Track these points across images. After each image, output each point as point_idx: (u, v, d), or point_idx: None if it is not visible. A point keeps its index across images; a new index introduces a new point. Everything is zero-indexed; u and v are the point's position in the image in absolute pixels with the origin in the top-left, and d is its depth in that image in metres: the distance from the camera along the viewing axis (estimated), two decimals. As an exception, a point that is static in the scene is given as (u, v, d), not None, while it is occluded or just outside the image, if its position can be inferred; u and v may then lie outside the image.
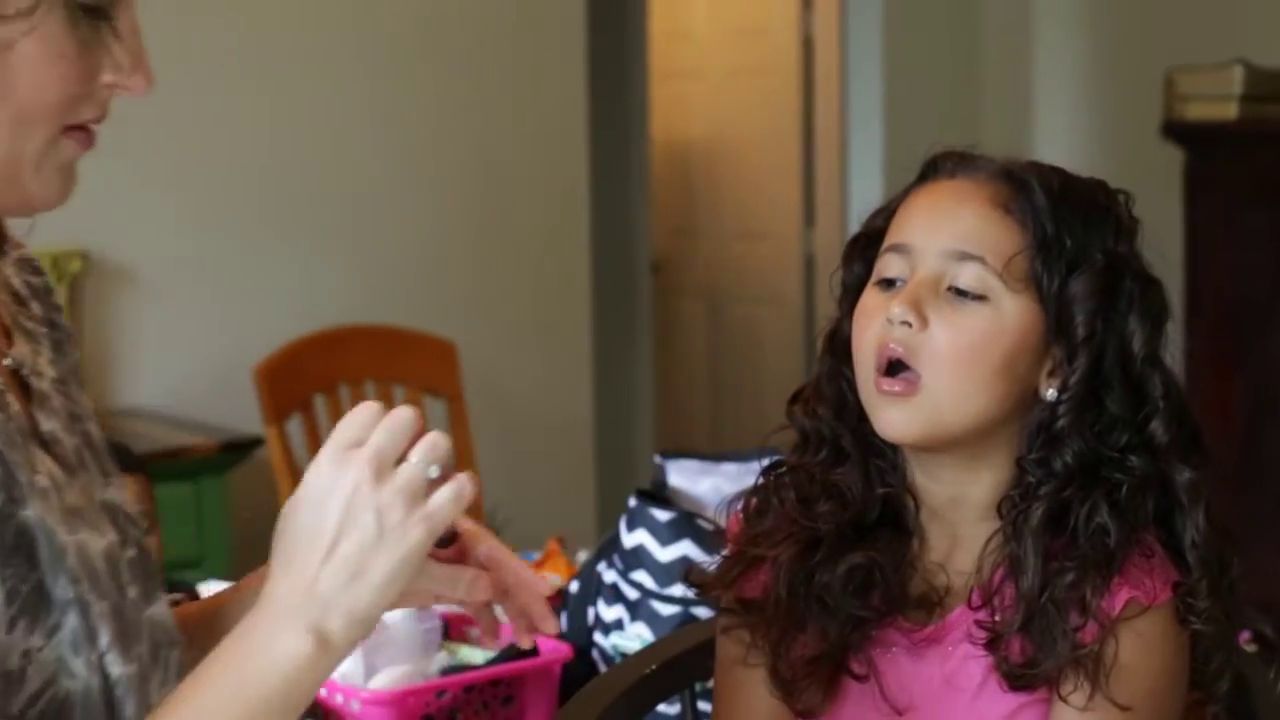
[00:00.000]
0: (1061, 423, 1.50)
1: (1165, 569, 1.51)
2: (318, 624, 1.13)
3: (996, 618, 1.50)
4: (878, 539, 1.56)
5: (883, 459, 1.58)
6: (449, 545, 1.25)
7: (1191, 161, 4.50)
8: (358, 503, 1.13)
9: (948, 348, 1.48)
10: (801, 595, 1.54)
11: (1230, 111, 4.40)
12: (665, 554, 2.24)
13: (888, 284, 1.53)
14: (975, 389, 1.49)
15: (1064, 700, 1.48)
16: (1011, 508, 1.52)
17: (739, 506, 1.63)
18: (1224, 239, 4.38)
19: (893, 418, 1.51)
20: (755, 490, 1.62)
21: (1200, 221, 4.40)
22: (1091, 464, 1.50)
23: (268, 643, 1.13)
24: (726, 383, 6.09)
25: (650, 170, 5.72)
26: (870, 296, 1.55)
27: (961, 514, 1.56)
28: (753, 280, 6.01)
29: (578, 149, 4.56)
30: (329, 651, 1.13)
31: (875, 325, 1.51)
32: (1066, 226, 1.51)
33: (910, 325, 1.49)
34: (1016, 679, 1.49)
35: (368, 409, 1.17)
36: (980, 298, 1.49)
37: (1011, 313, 1.49)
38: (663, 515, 2.26)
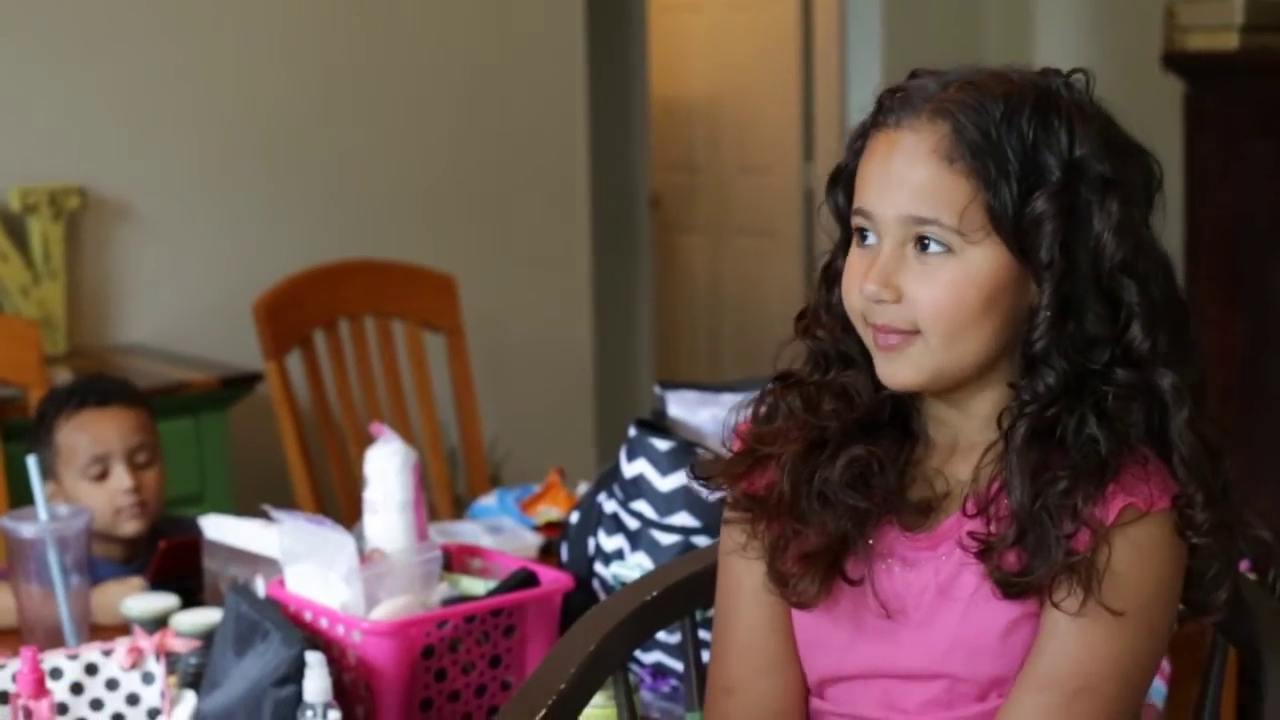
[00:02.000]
0: (1038, 345, 1.50)
1: (1163, 479, 1.51)
2: None
3: (991, 528, 1.51)
4: (882, 437, 1.59)
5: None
6: None
7: (1192, 92, 4.49)
8: None
9: (927, 306, 1.51)
10: (804, 492, 1.57)
11: (1231, 42, 4.39)
12: (665, 484, 2.24)
13: (863, 236, 1.56)
14: (965, 334, 1.51)
15: (1056, 606, 1.49)
16: (1008, 423, 1.53)
17: (748, 411, 1.66)
18: (1225, 170, 4.37)
19: (893, 370, 1.55)
20: (764, 395, 1.65)
21: (1201, 152, 4.40)
22: (1076, 381, 1.51)
23: None
24: (726, 316, 6.09)
25: (649, 104, 5.70)
26: (853, 254, 1.58)
27: (965, 423, 1.58)
28: (752, 214, 6.00)
29: (576, 82, 4.54)
30: None
31: (856, 295, 1.55)
32: (1013, 152, 1.49)
33: (885, 300, 1.52)
34: (1009, 587, 1.50)
35: None
36: (946, 249, 1.50)
37: (977, 260, 1.50)
38: (663, 445, 2.26)
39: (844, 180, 1.61)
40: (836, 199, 1.61)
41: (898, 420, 1.61)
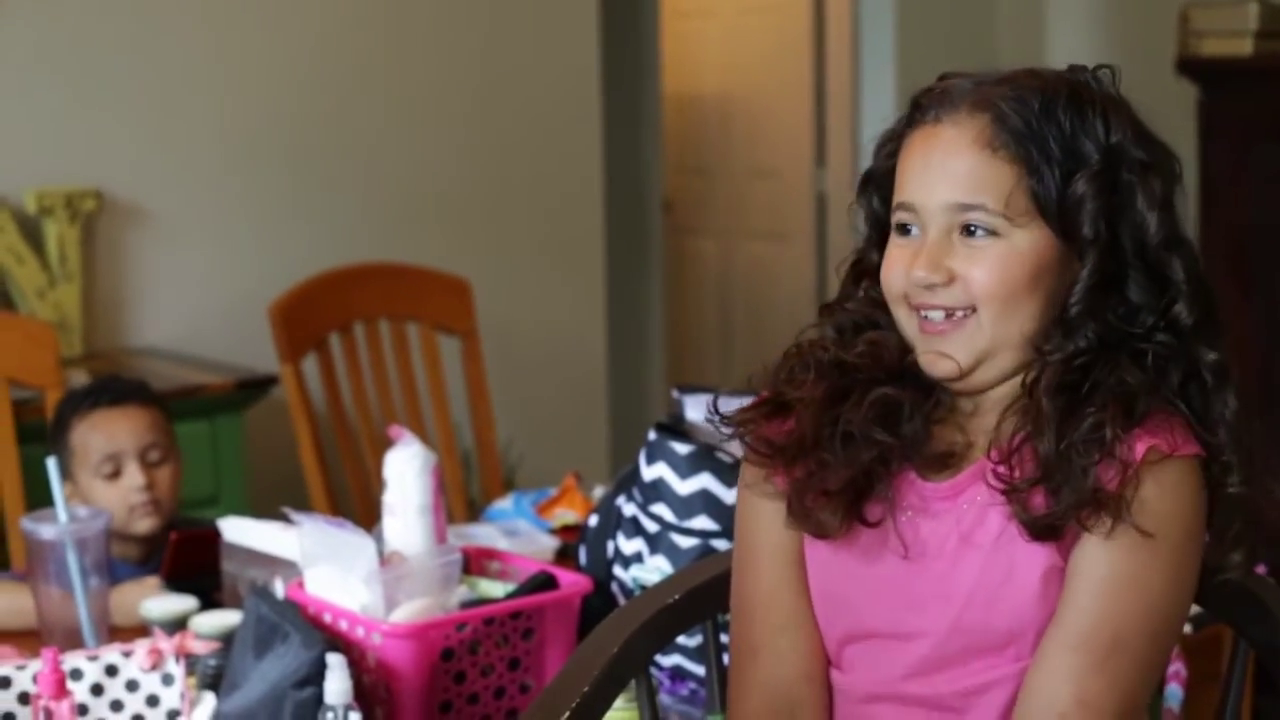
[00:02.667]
0: (1074, 310, 1.56)
1: (1187, 432, 1.55)
2: None
3: (1015, 473, 1.54)
4: (906, 386, 1.62)
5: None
6: None
7: (1206, 98, 4.49)
8: None
9: (978, 286, 1.56)
10: (827, 433, 1.61)
11: (1245, 47, 4.39)
12: (685, 487, 2.24)
13: (904, 230, 1.61)
14: (1016, 308, 1.56)
15: (1088, 530, 1.51)
16: (1033, 374, 1.57)
17: (773, 369, 1.69)
18: (1238, 175, 4.37)
19: (939, 355, 1.59)
20: (786, 358, 1.69)
21: (1214, 158, 4.39)
22: (1114, 339, 1.56)
23: None
24: (737, 320, 6.09)
25: (662, 109, 5.70)
26: (893, 247, 1.63)
27: (992, 388, 1.62)
28: (764, 219, 6.00)
29: (591, 87, 4.54)
30: None
31: (900, 274, 1.60)
32: (1053, 139, 1.55)
33: (936, 284, 1.57)
34: (1036, 526, 1.53)
35: None
36: (992, 233, 1.56)
37: (1023, 243, 1.56)
38: (682, 448, 2.27)
39: (876, 182, 1.67)
40: (870, 202, 1.68)
41: (921, 378, 1.64)
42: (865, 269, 1.70)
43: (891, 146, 1.65)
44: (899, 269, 1.61)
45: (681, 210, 6.22)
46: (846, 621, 1.65)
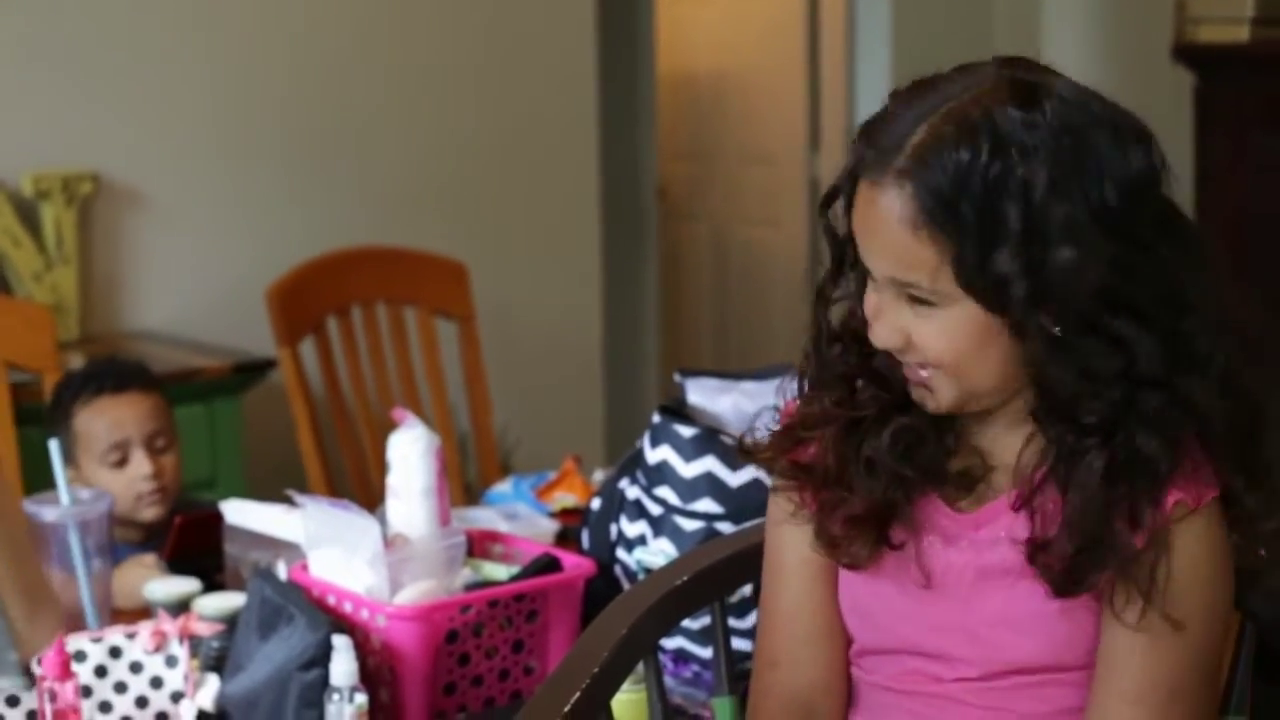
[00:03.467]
0: (1062, 396, 1.50)
1: (1207, 468, 1.52)
2: None
3: (1037, 522, 1.52)
4: (921, 414, 1.59)
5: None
6: None
7: (1202, 84, 4.50)
8: None
9: (931, 353, 1.53)
10: (851, 460, 1.60)
11: (1242, 34, 4.40)
12: (689, 470, 2.25)
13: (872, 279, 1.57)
14: (972, 370, 1.53)
15: (1117, 618, 1.50)
16: (1051, 422, 1.53)
17: (793, 392, 1.68)
18: (1234, 162, 4.38)
19: (925, 401, 1.57)
20: (800, 377, 1.67)
21: (1211, 145, 4.40)
22: (1112, 415, 1.49)
23: None
24: (732, 305, 6.09)
25: (657, 94, 5.70)
26: (866, 294, 1.58)
27: (1002, 420, 1.59)
28: (758, 205, 6.00)
29: (587, 73, 4.54)
30: None
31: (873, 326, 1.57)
32: (970, 209, 1.45)
33: (895, 348, 1.54)
34: (1063, 587, 1.51)
35: None
36: (932, 305, 1.51)
37: (959, 315, 1.50)
38: (686, 431, 2.27)
39: (837, 205, 1.60)
40: (833, 224, 1.61)
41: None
42: (829, 299, 1.64)
43: (848, 184, 1.56)
44: (870, 321, 1.57)
45: (675, 196, 6.22)
46: (870, 634, 1.65)
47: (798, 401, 1.67)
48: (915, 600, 1.60)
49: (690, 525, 2.24)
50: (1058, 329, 1.47)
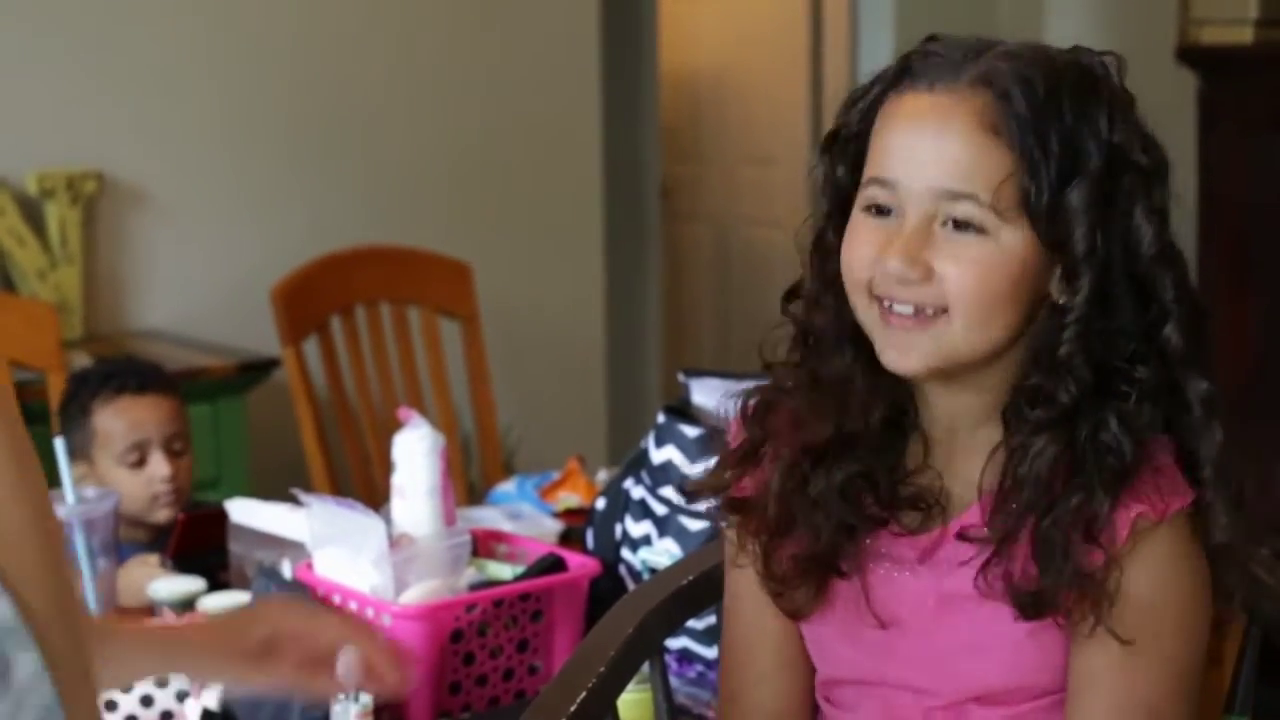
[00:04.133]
0: (1065, 349, 1.42)
1: (1174, 480, 1.44)
2: None
3: (998, 538, 1.44)
4: (880, 438, 1.50)
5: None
6: None
7: (1206, 86, 4.50)
8: None
9: (959, 285, 1.41)
10: (795, 497, 1.50)
11: (1246, 36, 4.40)
12: (694, 470, 2.25)
13: (875, 209, 1.45)
14: (991, 319, 1.42)
15: (1072, 624, 1.43)
16: (1017, 424, 1.45)
17: (739, 406, 1.59)
18: (1238, 164, 4.37)
19: (903, 352, 1.44)
20: (755, 391, 1.59)
21: (1214, 147, 4.40)
22: (1098, 383, 1.42)
23: None
24: (733, 306, 6.10)
25: (660, 95, 5.70)
26: (860, 223, 1.47)
27: (965, 415, 1.50)
28: (760, 205, 6.01)
29: (589, 74, 4.54)
30: None
31: (868, 259, 1.44)
32: (1055, 131, 1.39)
33: (912, 280, 1.42)
34: (1027, 606, 1.43)
35: None
36: (979, 230, 1.40)
37: (1010, 241, 1.41)
38: (691, 431, 2.27)
39: (844, 145, 1.50)
40: (834, 168, 1.51)
41: (892, 413, 1.52)
42: (830, 247, 1.51)
43: (866, 105, 1.48)
44: (865, 253, 1.44)
45: (678, 196, 6.22)
46: (831, 668, 1.58)
47: (741, 420, 1.58)
48: (875, 634, 1.52)
49: (695, 525, 2.24)
50: (1104, 273, 1.41)
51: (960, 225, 1.41)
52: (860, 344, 1.50)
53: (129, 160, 3.84)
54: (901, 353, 1.45)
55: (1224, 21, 4.41)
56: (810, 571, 1.52)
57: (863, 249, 1.45)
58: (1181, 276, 1.44)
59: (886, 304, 1.44)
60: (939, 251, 1.41)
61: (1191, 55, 4.48)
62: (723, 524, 1.61)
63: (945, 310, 1.42)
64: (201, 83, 3.94)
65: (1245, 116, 4.37)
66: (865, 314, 1.47)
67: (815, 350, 1.54)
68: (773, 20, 5.85)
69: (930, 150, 1.41)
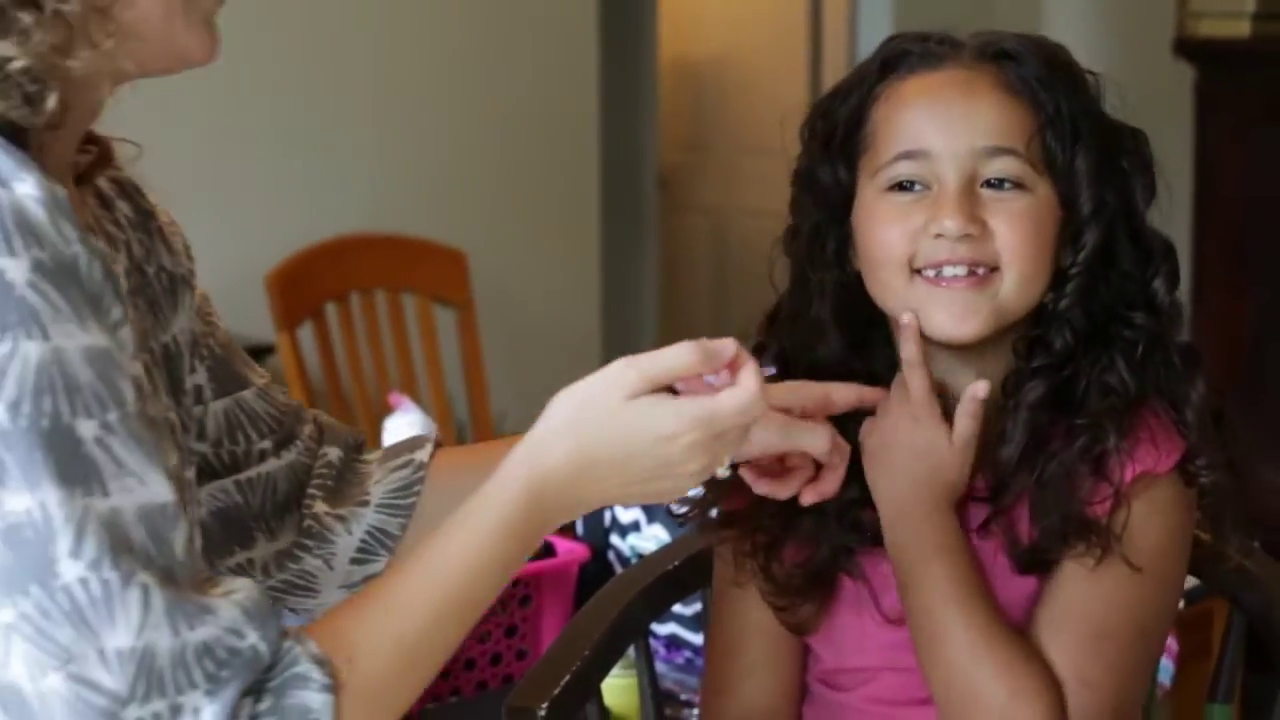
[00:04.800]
0: (1065, 302, 1.45)
1: (1168, 435, 1.46)
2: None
3: (1004, 500, 1.45)
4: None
5: (873, 349, 1.53)
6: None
7: (1203, 79, 4.50)
8: (673, 460, 1.21)
9: (1011, 242, 1.43)
10: (791, 515, 1.49)
11: (1243, 29, 4.40)
12: (683, 456, 2.24)
13: (902, 187, 1.46)
14: (1038, 274, 1.45)
15: (1075, 561, 1.43)
16: (1019, 384, 1.46)
17: None
18: (1234, 157, 4.38)
19: (963, 316, 1.44)
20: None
21: (1211, 140, 4.41)
22: (1101, 328, 1.46)
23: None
24: (731, 297, 6.10)
25: (658, 84, 5.70)
26: (885, 204, 1.47)
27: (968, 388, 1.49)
28: (759, 195, 6.00)
29: (588, 62, 4.54)
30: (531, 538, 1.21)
31: (904, 234, 1.45)
32: (1062, 95, 1.45)
33: (972, 236, 1.42)
34: (1027, 561, 1.44)
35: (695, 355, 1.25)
36: (1019, 186, 1.44)
37: (1045, 197, 1.45)
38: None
39: (842, 145, 1.50)
40: (835, 170, 1.51)
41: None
42: (826, 259, 1.53)
43: (856, 102, 1.49)
44: (902, 229, 1.44)
45: (675, 186, 6.22)
46: (844, 658, 1.56)
47: None
48: (886, 630, 1.51)
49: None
50: (1103, 244, 1.46)
51: (998, 184, 1.44)
52: (854, 349, 1.52)
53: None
54: (959, 318, 1.44)
55: (1221, 15, 4.41)
56: (815, 579, 1.51)
57: (898, 225, 1.45)
58: (1164, 236, 1.49)
59: (933, 273, 1.44)
60: (988, 210, 1.44)
61: (1188, 48, 4.49)
62: (714, 542, 1.60)
63: (997, 269, 1.44)
64: (196, 69, 3.94)
65: (1241, 109, 4.38)
66: (904, 292, 1.46)
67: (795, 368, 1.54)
68: (772, 9, 5.85)
69: (961, 115, 1.45)
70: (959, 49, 1.48)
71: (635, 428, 1.23)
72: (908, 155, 1.45)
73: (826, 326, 1.54)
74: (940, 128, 1.45)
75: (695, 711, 1.73)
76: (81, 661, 1.00)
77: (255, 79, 4.02)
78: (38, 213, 1.04)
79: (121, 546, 1.01)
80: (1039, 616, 1.45)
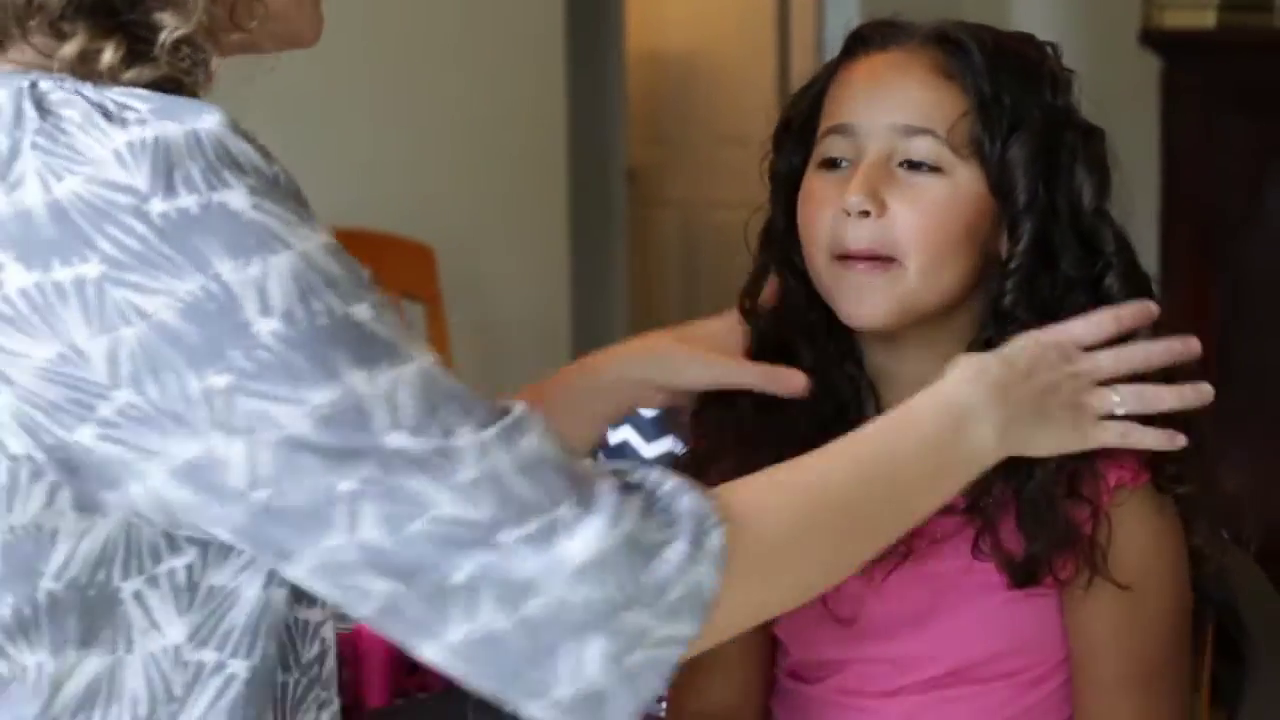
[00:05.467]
0: (1009, 299, 1.45)
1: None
2: (1003, 431, 1.26)
3: (983, 508, 1.45)
4: (832, 427, 1.46)
5: (841, 343, 1.53)
6: None
7: (1169, 69, 4.52)
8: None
9: (913, 226, 1.44)
10: None
11: (1208, 20, 4.42)
12: (650, 449, 2.24)
13: (831, 164, 1.48)
14: (945, 262, 1.45)
15: (1065, 585, 1.45)
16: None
17: (691, 412, 1.60)
18: (1201, 147, 4.39)
19: (863, 300, 1.46)
20: (707, 404, 1.58)
21: (1177, 129, 4.42)
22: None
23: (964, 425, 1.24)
24: (701, 290, 6.10)
25: (627, 77, 5.70)
26: (815, 181, 1.49)
27: (921, 386, 1.45)
28: (728, 188, 6.01)
29: (555, 55, 4.53)
30: (985, 459, 1.26)
31: (826, 214, 1.46)
32: (1004, 85, 1.46)
33: (869, 214, 1.43)
34: (1018, 574, 1.44)
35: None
36: (935, 169, 1.45)
37: (965, 181, 1.45)
38: (647, 412, 2.26)
39: (795, 133, 1.54)
40: (789, 155, 1.54)
41: (854, 408, 1.51)
42: (778, 235, 1.55)
43: (816, 90, 1.53)
44: (826, 208, 1.46)
45: (644, 179, 6.22)
46: (813, 651, 1.56)
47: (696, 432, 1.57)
48: (850, 622, 1.50)
49: (652, 505, 2.24)
50: (1047, 224, 1.46)
51: (917, 166, 1.45)
52: (813, 329, 1.52)
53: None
54: (859, 302, 1.46)
55: (1186, 5, 4.43)
56: None
57: (822, 207, 1.47)
58: (1120, 234, 1.49)
59: (841, 254, 1.46)
60: (896, 191, 1.44)
61: (1154, 39, 4.50)
62: None
63: (895, 260, 1.44)
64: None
65: (1208, 99, 4.39)
66: (826, 274, 1.48)
67: (770, 349, 1.54)
68: (739, 2, 5.85)
69: (888, 92, 1.47)
70: (910, 34, 1.49)
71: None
72: (835, 130, 1.48)
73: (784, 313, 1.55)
74: (867, 104, 1.47)
75: (663, 705, 1.72)
76: (437, 506, 1.03)
77: (223, 71, 4.00)
78: (235, 142, 1.11)
79: (436, 398, 1.06)
80: (1092, 677, 1.48)
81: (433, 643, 1.06)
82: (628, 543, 1.06)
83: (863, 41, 1.51)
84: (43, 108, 1.05)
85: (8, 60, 1.10)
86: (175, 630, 1.09)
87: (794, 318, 1.54)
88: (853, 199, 1.44)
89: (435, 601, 1.04)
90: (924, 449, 1.23)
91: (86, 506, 1.05)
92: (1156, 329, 1.46)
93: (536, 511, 1.05)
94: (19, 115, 1.05)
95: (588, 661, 1.05)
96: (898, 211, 1.44)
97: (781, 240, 1.54)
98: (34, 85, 1.06)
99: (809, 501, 1.18)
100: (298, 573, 1.06)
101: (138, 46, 1.10)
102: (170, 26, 1.11)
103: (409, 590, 1.03)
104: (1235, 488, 1.58)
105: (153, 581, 1.08)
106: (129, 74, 1.09)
